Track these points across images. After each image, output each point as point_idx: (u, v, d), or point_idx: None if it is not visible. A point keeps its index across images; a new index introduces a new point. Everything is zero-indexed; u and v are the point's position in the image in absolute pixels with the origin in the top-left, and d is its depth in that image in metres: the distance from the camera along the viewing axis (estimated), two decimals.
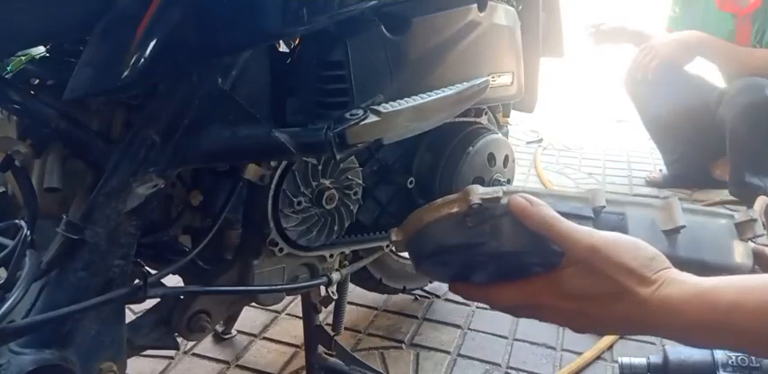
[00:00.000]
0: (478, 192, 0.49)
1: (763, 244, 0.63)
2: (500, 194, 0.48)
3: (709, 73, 2.07)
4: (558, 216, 0.48)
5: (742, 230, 0.59)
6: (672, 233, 0.54)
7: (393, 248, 0.55)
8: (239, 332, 1.22)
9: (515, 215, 0.49)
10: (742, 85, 1.75)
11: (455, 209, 0.50)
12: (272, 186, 0.68)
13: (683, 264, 0.53)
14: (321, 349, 1.01)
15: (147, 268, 0.72)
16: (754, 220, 0.60)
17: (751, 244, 0.62)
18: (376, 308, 1.33)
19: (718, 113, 1.83)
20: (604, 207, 0.51)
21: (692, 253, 0.56)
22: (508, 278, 0.51)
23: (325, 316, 1.14)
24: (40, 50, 0.69)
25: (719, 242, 0.59)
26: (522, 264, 0.51)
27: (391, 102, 0.63)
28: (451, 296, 1.38)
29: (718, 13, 1.89)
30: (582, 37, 1.98)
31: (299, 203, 0.70)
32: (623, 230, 0.52)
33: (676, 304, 0.46)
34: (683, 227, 0.54)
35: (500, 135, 0.92)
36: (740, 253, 0.59)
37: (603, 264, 0.47)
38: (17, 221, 0.57)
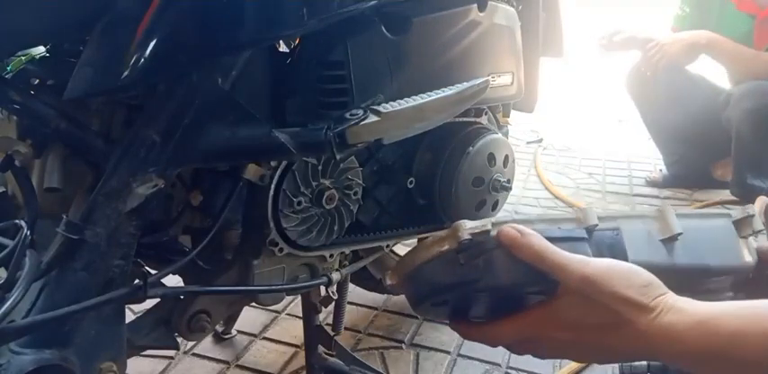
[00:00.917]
0: (467, 228, 0.48)
1: None
2: (488, 227, 0.48)
3: (712, 74, 2.08)
4: (549, 245, 0.47)
5: (740, 227, 0.58)
6: (670, 241, 0.54)
7: (389, 284, 0.55)
8: (239, 332, 1.22)
9: (506, 247, 0.48)
10: (748, 89, 1.76)
11: (446, 247, 0.49)
12: (272, 186, 0.68)
13: (687, 271, 0.54)
14: (321, 349, 1.01)
15: (147, 268, 0.72)
16: (752, 216, 0.59)
17: (753, 242, 0.61)
18: (376, 308, 1.33)
19: (725, 115, 1.83)
20: (597, 225, 0.51)
21: (694, 258, 0.55)
22: (507, 311, 0.50)
23: (325, 315, 1.14)
24: (40, 50, 0.69)
25: (720, 243, 0.58)
26: (519, 295, 0.51)
27: (391, 102, 0.63)
28: None
29: (736, 13, 1.89)
30: (593, 47, 1.98)
31: (299, 203, 0.70)
32: (620, 246, 0.52)
33: (676, 332, 0.45)
34: (680, 233, 0.53)
35: (500, 135, 0.92)
36: (742, 251, 0.58)
37: (599, 294, 0.46)
38: (17, 221, 0.57)
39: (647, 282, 0.48)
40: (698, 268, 0.56)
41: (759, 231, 0.63)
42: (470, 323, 0.55)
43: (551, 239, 0.48)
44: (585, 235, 0.50)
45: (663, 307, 0.46)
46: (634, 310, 0.46)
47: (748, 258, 0.58)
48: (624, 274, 0.48)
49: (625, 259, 0.51)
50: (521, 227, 0.48)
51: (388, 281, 0.54)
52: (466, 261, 0.48)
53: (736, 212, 0.59)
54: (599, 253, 0.50)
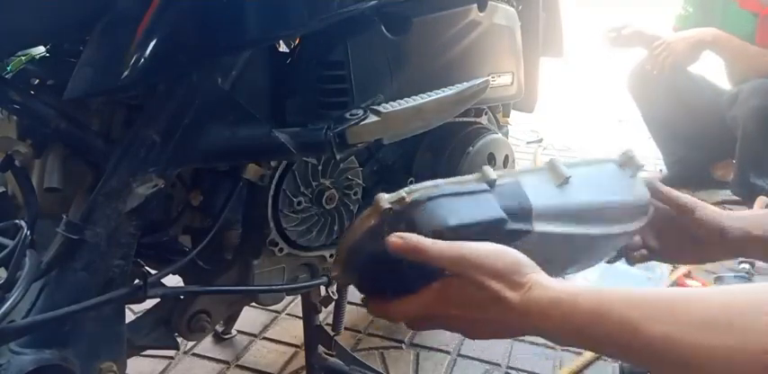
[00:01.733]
0: (385, 198, 0.50)
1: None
2: (403, 194, 0.50)
3: (712, 74, 2.08)
4: (428, 240, 0.51)
5: (625, 166, 0.67)
6: (563, 184, 0.59)
7: (333, 276, 0.58)
8: (239, 332, 1.21)
9: (398, 253, 0.51)
10: (756, 87, 1.75)
11: (372, 222, 0.51)
12: (272, 186, 0.68)
13: (585, 209, 0.61)
14: (321, 349, 1.01)
15: (146, 268, 0.72)
16: (633, 156, 0.67)
17: (642, 178, 0.70)
18: None
19: (730, 114, 1.83)
20: (496, 179, 0.55)
21: (589, 195, 0.61)
22: (418, 286, 0.54)
23: (325, 316, 1.14)
24: (40, 50, 0.69)
25: (611, 182, 0.65)
26: (428, 269, 0.53)
27: (391, 102, 0.63)
28: None
29: (739, 11, 1.89)
30: (600, 40, 1.98)
31: (299, 203, 0.70)
32: (521, 193, 0.57)
33: (541, 308, 0.49)
34: (569, 177, 0.59)
35: (500, 135, 0.92)
36: (632, 187, 0.66)
37: (474, 272, 0.51)
38: (17, 221, 0.57)
39: (516, 260, 0.52)
40: (594, 204, 0.62)
41: (641, 167, 0.71)
42: (378, 300, 0.58)
43: (459, 194, 0.52)
44: (488, 188, 0.55)
45: (532, 283, 0.51)
46: (506, 286, 0.51)
47: (638, 193, 0.66)
48: (496, 254, 0.52)
49: (528, 205, 0.56)
50: (403, 234, 0.51)
51: (333, 273, 0.56)
52: (389, 230, 0.50)
53: (619, 156, 0.67)
54: (503, 203, 0.55)
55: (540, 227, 0.57)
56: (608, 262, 0.80)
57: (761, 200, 1.52)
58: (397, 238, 0.51)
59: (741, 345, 0.43)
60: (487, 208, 0.54)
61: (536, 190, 0.58)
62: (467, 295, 0.52)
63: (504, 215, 0.54)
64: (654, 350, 0.46)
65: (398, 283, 0.54)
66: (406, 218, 0.52)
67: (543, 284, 0.51)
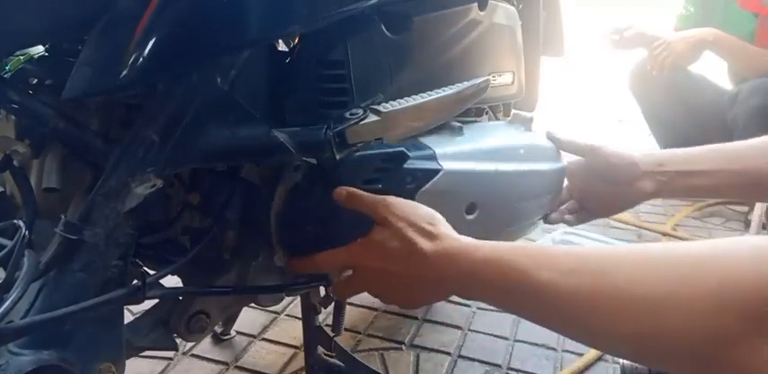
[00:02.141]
0: None
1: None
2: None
3: (712, 74, 2.08)
4: (363, 192, 0.61)
5: (514, 122, 0.81)
6: (458, 135, 0.76)
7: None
8: (238, 333, 1.21)
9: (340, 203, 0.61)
10: (757, 86, 1.76)
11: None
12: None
13: (491, 151, 0.73)
14: (321, 350, 1.01)
15: (145, 268, 0.71)
16: (517, 113, 0.80)
17: (539, 131, 0.84)
18: (376, 309, 1.32)
19: (731, 113, 1.83)
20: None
21: (488, 140, 0.75)
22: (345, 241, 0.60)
23: (324, 316, 1.13)
24: (38, 50, 0.69)
25: (505, 132, 0.79)
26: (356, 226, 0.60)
27: (391, 102, 0.63)
28: (452, 297, 1.38)
29: (740, 12, 1.89)
30: (602, 42, 1.98)
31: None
32: (422, 144, 0.69)
33: (450, 257, 0.54)
34: (462, 126, 0.75)
35: None
36: (527, 135, 0.80)
37: (395, 218, 0.57)
38: (16, 221, 0.57)
39: (430, 213, 0.58)
40: (493, 145, 0.73)
41: (531, 120, 0.83)
42: (303, 255, 0.64)
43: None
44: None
45: (441, 234, 0.55)
46: (420, 235, 0.55)
47: (538, 138, 0.80)
48: (414, 205, 0.59)
49: (430, 148, 0.68)
50: (344, 189, 0.61)
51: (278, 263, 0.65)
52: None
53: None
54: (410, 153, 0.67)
55: (448, 165, 0.67)
56: (544, 221, 0.90)
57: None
58: (340, 190, 0.61)
59: (605, 289, 0.44)
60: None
61: (436, 141, 0.68)
62: (387, 245, 0.56)
63: (402, 148, 0.64)
64: (540, 295, 0.48)
65: (330, 238, 0.62)
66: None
67: (452, 236, 0.56)
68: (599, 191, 0.86)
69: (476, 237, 0.58)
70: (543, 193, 0.83)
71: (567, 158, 0.89)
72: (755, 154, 0.76)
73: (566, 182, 0.90)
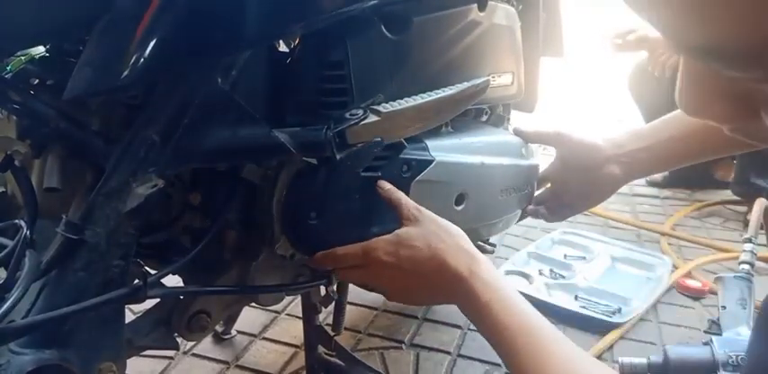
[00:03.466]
0: None
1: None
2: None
3: None
4: (401, 193, 0.65)
5: (490, 121, 0.89)
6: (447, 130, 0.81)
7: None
8: (239, 332, 1.21)
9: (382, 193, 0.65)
10: None
11: None
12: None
13: (476, 146, 0.79)
14: (321, 349, 1.01)
15: (146, 268, 0.72)
16: (492, 113, 0.87)
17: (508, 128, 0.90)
18: (376, 308, 1.33)
19: None
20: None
21: (471, 137, 0.81)
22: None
23: (325, 316, 1.14)
24: (39, 50, 0.69)
25: (485, 130, 0.85)
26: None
27: (391, 102, 0.63)
28: None
29: None
30: (604, 45, 1.98)
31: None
32: (417, 138, 0.72)
33: (483, 282, 0.58)
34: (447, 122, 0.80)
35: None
36: (501, 133, 0.87)
37: (425, 226, 0.61)
38: (17, 221, 0.57)
39: (459, 232, 0.63)
40: (476, 140, 0.80)
41: (502, 118, 0.91)
42: (310, 244, 0.66)
43: None
44: None
45: (468, 255, 0.60)
46: (446, 245, 0.60)
47: (510, 136, 0.87)
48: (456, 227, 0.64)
49: (422, 141, 0.72)
50: (387, 184, 0.66)
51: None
52: None
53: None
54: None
55: (440, 157, 0.71)
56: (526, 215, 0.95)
57: (760, 202, 1.52)
58: (383, 182, 0.65)
59: None
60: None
61: (425, 134, 0.71)
62: (410, 243, 0.60)
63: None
64: (511, 356, 0.55)
65: (334, 225, 0.65)
66: None
67: (480, 268, 0.59)
68: (573, 182, 0.88)
69: (463, 228, 0.63)
70: (524, 187, 0.86)
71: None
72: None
73: (548, 184, 0.94)
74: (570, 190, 0.89)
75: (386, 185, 0.65)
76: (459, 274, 0.58)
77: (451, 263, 0.59)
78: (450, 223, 0.63)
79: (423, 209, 0.64)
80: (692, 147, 0.79)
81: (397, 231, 0.62)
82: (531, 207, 0.93)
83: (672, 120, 0.81)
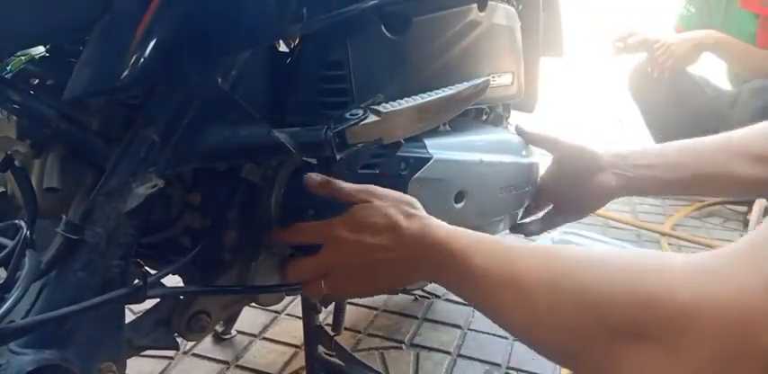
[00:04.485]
0: None
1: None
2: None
3: (713, 75, 2.08)
4: (339, 182, 0.62)
5: (489, 120, 0.88)
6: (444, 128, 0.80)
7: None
8: (239, 332, 1.21)
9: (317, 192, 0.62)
10: (759, 87, 1.75)
11: None
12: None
13: (475, 144, 0.79)
14: (321, 349, 1.01)
15: (146, 268, 0.72)
16: (490, 112, 0.88)
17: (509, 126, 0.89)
18: (376, 308, 1.33)
19: (732, 114, 1.83)
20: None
21: (469, 134, 0.81)
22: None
23: (325, 316, 1.14)
24: (39, 50, 0.69)
25: (482, 127, 0.85)
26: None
27: (391, 102, 0.63)
28: (452, 296, 1.38)
29: (741, 12, 1.89)
30: (605, 47, 1.98)
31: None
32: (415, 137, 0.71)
33: (424, 236, 0.56)
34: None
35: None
36: (500, 131, 0.87)
37: (378, 200, 0.60)
38: (17, 221, 0.57)
39: (412, 201, 0.61)
40: (474, 138, 0.80)
41: (501, 116, 0.89)
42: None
43: None
44: None
45: (422, 217, 0.59)
46: (402, 215, 0.58)
47: (510, 134, 0.87)
48: (397, 193, 0.62)
49: (420, 138, 0.71)
50: (318, 176, 0.62)
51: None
52: None
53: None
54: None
55: (438, 154, 0.71)
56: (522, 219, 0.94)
57: (760, 200, 1.52)
58: (313, 177, 0.61)
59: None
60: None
61: (427, 133, 0.70)
62: (368, 220, 0.59)
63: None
64: (469, 279, 0.52)
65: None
66: None
67: (428, 218, 0.59)
68: (568, 190, 0.87)
69: (465, 226, 0.61)
70: (524, 185, 0.86)
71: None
72: (716, 147, 0.76)
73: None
74: (564, 198, 0.88)
75: (314, 180, 0.61)
76: (415, 232, 0.57)
77: (406, 226, 0.58)
78: (398, 193, 0.62)
79: (373, 188, 0.62)
80: (700, 181, 0.76)
81: (352, 209, 0.60)
82: (526, 219, 0.92)
83: (686, 148, 0.79)
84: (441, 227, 0.58)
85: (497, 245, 0.53)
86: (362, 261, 0.59)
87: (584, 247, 0.54)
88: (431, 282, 0.71)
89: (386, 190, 0.62)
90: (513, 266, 0.49)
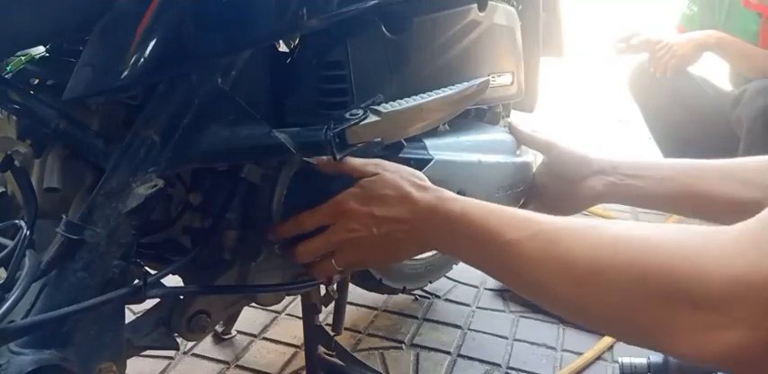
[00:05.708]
0: None
1: None
2: None
3: (713, 75, 2.08)
4: (347, 157, 0.61)
5: (486, 120, 0.90)
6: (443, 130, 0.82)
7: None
8: (239, 332, 1.22)
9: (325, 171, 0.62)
10: (761, 88, 1.75)
11: None
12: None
13: (474, 144, 0.80)
14: (321, 349, 1.01)
15: (146, 268, 0.72)
16: (490, 111, 0.90)
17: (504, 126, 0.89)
18: (376, 308, 1.33)
19: (734, 113, 1.82)
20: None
21: (467, 135, 0.82)
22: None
23: (325, 316, 1.14)
24: (39, 50, 0.69)
25: (480, 128, 0.87)
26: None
27: (391, 102, 0.63)
28: (452, 296, 1.38)
29: (744, 12, 1.88)
30: (608, 49, 1.98)
31: None
32: (415, 137, 0.71)
33: (437, 205, 0.57)
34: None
35: None
36: (498, 130, 0.88)
37: (389, 173, 0.60)
38: (17, 221, 0.57)
39: (420, 174, 0.62)
40: (472, 138, 0.81)
41: (498, 114, 0.91)
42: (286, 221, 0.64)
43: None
44: None
45: (432, 188, 0.60)
46: (412, 186, 0.59)
47: (505, 134, 0.88)
48: (404, 167, 0.63)
49: (421, 140, 0.72)
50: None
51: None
52: None
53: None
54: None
55: (438, 155, 0.72)
56: None
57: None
58: (322, 160, 0.62)
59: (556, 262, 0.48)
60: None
61: (427, 133, 0.71)
62: (378, 192, 0.59)
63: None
64: (502, 253, 0.52)
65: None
66: None
67: (438, 189, 0.60)
68: (555, 190, 0.87)
69: None
70: (518, 184, 0.86)
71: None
72: (710, 168, 0.77)
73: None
74: (553, 199, 0.89)
75: (324, 160, 0.62)
76: (429, 203, 0.58)
77: (419, 197, 0.58)
78: (405, 166, 0.63)
79: (380, 162, 0.62)
80: (683, 198, 0.76)
81: (360, 181, 0.60)
82: None
83: (680, 164, 0.78)
84: (457, 200, 0.58)
85: (527, 221, 0.53)
86: (374, 233, 0.59)
87: (620, 221, 0.54)
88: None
89: (394, 163, 0.63)
90: (557, 244, 0.49)
